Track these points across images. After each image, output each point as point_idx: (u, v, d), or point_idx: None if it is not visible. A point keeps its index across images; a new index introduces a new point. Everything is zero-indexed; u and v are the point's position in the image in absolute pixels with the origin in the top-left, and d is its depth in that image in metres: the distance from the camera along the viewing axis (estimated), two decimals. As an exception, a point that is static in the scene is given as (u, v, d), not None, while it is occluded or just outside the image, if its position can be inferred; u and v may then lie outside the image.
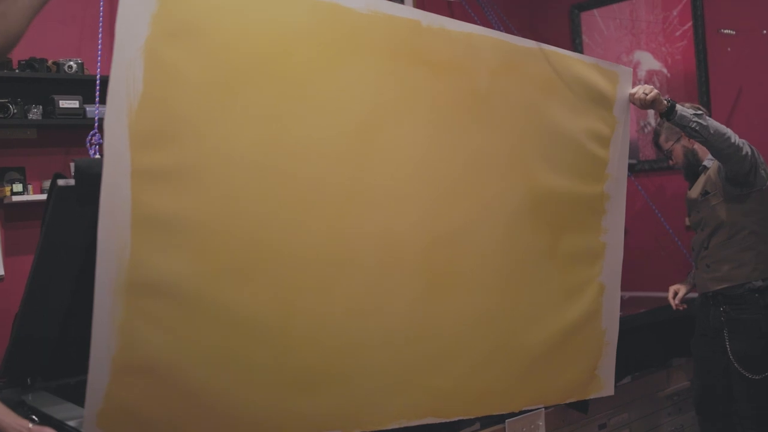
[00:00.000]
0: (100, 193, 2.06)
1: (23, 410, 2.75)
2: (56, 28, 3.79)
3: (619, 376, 3.29)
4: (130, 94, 2.06)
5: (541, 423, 3.18)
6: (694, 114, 3.09)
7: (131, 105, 2.07)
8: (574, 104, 2.99)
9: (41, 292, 2.80)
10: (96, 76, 3.10)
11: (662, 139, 3.55)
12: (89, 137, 2.90)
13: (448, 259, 2.70)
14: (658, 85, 4.80)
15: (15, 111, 3.54)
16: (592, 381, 3.15)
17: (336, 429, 2.53)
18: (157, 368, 2.17)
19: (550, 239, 2.97)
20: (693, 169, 3.52)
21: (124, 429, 2.18)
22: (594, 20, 5.18)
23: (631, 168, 3.24)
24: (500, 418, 3.06)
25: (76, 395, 2.91)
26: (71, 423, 2.58)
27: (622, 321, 3.22)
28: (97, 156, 2.94)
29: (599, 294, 3.11)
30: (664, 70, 4.85)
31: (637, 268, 3.66)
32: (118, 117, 2.06)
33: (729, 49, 4.52)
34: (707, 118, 3.12)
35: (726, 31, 4.41)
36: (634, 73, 3.22)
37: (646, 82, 4.71)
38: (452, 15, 4.72)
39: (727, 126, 3.18)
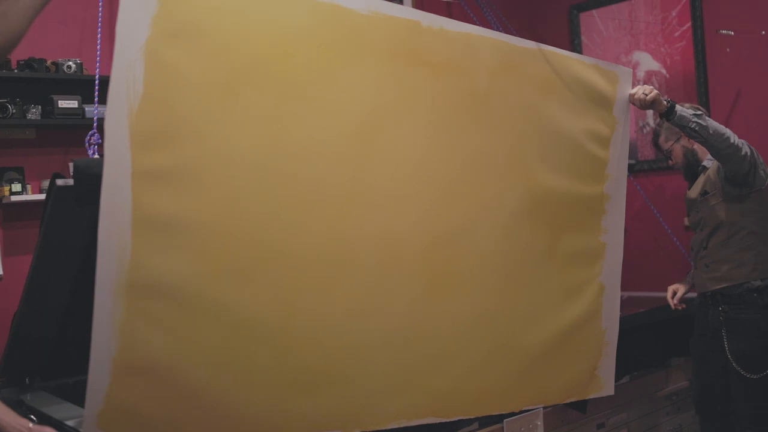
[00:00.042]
0: (99, 193, 2.06)
1: (22, 410, 2.75)
2: (55, 28, 3.79)
3: (617, 376, 3.29)
4: (131, 95, 2.06)
5: (540, 423, 3.19)
6: (694, 114, 3.10)
7: (132, 106, 2.07)
8: (573, 104, 2.99)
9: (40, 292, 2.80)
10: (95, 76, 3.10)
11: (662, 139, 3.55)
12: (88, 137, 2.90)
13: (447, 260, 2.70)
14: (656, 85, 4.80)
15: (14, 111, 3.54)
16: (592, 381, 3.15)
17: (336, 429, 2.53)
18: (157, 369, 2.17)
19: (549, 239, 2.97)
20: (692, 169, 3.52)
21: (124, 430, 2.18)
22: (593, 21, 5.19)
23: (630, 168, 3.25)
24: (498, 418, 3.06)
25: (75, 395, 2.91)
26: (70, 423, 2.59)
27: (621, 321, 3.22)
28: (96, 156, 2.93)
29: (599, 294, 3.11)
30: (663, 71, 4.85)
31: (635, 268, 3.66)
32: (118, 118, 2.06)
33: (728, 49, 4.52)
34: (707, 118, 3.13)
35: (724, 32, 4.42)
36: (633, 74, 3.22)
37: (644, 83, 4.70)
38: (451, 15, 4.72)
39: (726, 126, 3.18)
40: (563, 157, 2.98)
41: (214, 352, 2.26)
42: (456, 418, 2.82)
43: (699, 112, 3.14)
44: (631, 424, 3.78)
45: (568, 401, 3.19)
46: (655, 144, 3.64)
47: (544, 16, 5.46)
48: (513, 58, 2.84)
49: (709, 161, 3.44)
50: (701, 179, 3.46)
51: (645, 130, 4.93)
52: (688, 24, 4.70)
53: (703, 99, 4.60)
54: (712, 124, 3.11)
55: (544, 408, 3.18)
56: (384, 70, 2.52)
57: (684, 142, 3.48)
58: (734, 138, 3.14)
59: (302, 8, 2.37)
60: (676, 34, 4.77)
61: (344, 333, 2.49)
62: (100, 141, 2.91)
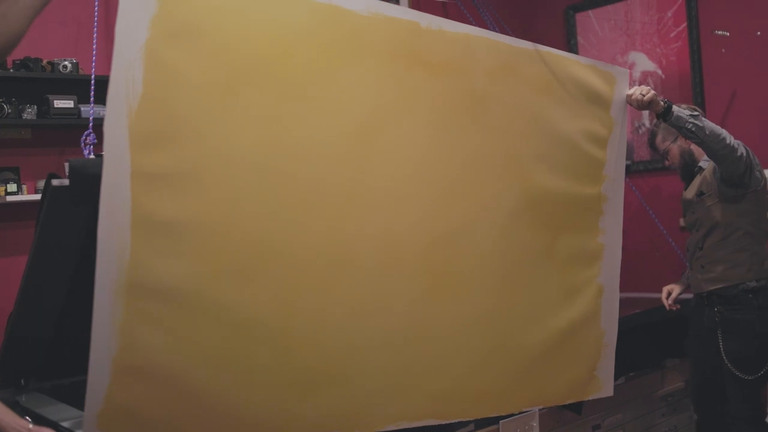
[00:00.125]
0: (94, 193, 2.06)
1: (17, 411, 2.72)
2: (51, 27, 3.78)
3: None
4: (130, 95, 2.06)
5: (535, 424, 3.19)
6: (691, 115, 3.10)
7: (131, 106, 2.06)
8: (571, 105, 2.99)
9: (35, 293, 2.79)
10: (91, 75, 3.09)
11: (659, 139, 3.55)
12: (84, 137, 2.90)
13: (447, 260, 2.70)
14: (652, 86, 4.81)
15: (9, 111, 3.53)
16: (591, 382, 3.15)
17: (336, 430, 2.52)
18: (157, 369, 2.17)
19: (548, 240, 2.97)
20: (689, 169, 3.52)
21: (124, 430, 2.17)
22: (589, 21, 5.19)
23: (626, 169, 3.25)
24: (494, 419, 3.05)
25: (71, 396, 2.91)
26: (65, 424, 2.58)
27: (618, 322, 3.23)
28: (92, 156, 2.93)
29: (598, 295, 3.11)
30: (659, 71, 4.86)
31: (631, 269, 3.67)
32: (117, 118, 2.05)
33: (723, 50, 4.53)
34: (703, 119, 3.13)
35: (720, 33, 4.43)
36: (630, 75, 3.23)
37: (640, 83, 4.71)
38: (447, 15, 4.73)
39: (722, 127, 3.19)
40: (561, 158, 2.98)
41: (214, 352, 2.25)
42: (456, 420, 2.83)
43: (696, 113, 3.15)
44: (626, 425, 3.78)
45: (568, 402, 3.19)
46: (651, 145, 3.64)
47: (540, 16, 5.46)
48: (511, 58, 2.84)
49: (705, 162, 3.44)
50: (697, 180, 3.47)
51: (641, 131, 4.94)
52: (684, 25, 4.71)
53: (699, 99, 4.61)
54: (709, 124, 3.12)
55: (539, 409, 3.18)
56: (383, 71, 2.52)
57: (681, 142, 3.48)
58: (730, 139, 3.15)
59: (302, 9, 2.36)
60: (672, 34, 4.78)
61: (344, 333, 2.48)
62: (95, 141, 2.90)
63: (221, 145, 2.21)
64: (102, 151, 2.22)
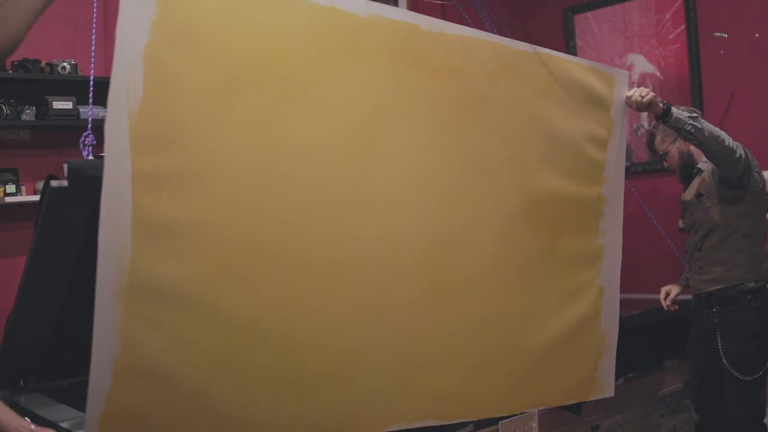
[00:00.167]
0: (93, 194, 2.06)
1: (16, 412, 2.74)
2: (50, 28, 3.78)
3: (613, 378, 3.30)
4: (131, 98, 2.06)
5: (534, 425, 3.19)
6: (690, 117, 3.11)
7: (132, 109, 2.06)
8: (571, 107, 2.99)
9: (34, 294, 2.79)
10: (90, 77, 3.09)
11: (657, 140, 3.56)
12: (83, 138, 2.90)
13: (448, 261, 2.70)
14: (651, 87, 4.82)
15: (8, 112, 3.53)
16: (593, 383, 3.16)
17: (336, 431, 2.52)
18: (158, 371, 2.17)
19: (548, 241, 2.98)
20: (688, 171, 3.53)
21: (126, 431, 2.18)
22: (587, 23, 5.20)
23: (625, 170, 3.25)
24: (494, 420, 3.05)
25: (70, 397, 2.91)
26: (64, 425, 2.58)
27: (617, 323, 3.23)
28: (91, 157, 2.93)
29: (598, 296, 3.11)
30: (657, 73, 4.86)
31: (630, 271, 3.67)
32: (118, 121, 2.05)
33: (721, 52, 4.53)
34: (702, 120, 3.14)
35: (718, 35, 4.43)
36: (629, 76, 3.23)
37: (639, 85, 4.72)
38: (445, 17, 4.73)
39: (720, 128, 3.19)
40: (562, 159, 2.98)
41: (214, 353, 2.25)
42: (457, 421, 2.83)
43: (695, 115, 3.15)
44: (625, 426, 3.78)
45: (569, 403, 3.19)
46: (650, 146, 3.65)
47: (539, 18, 5.46)
48: (511, 61, 2.85)
49: (704, 164, 3.45)
50: (696, 181, 3.47)
51: (639, 132, 4.94)
52: (682, 26, 4.71)
53: (697, 101, 4.61)
54: (708, 126, 3.12)
55: (539, 410, 3.18)
56: (383, 73, 2.52)
57: (680, 144, 3.48)
58: (729, 140, 3.15)
59: (301, 11, 2.36)
60: (670, 36, 4.79)
61: (344, 334, 2.48)
62: (94, 142, 2.90)
63: (221, 147, 2.21)
64: (101, 152, 2.22)
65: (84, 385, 2.12)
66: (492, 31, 3.85)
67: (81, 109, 3.66)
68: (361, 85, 2.48)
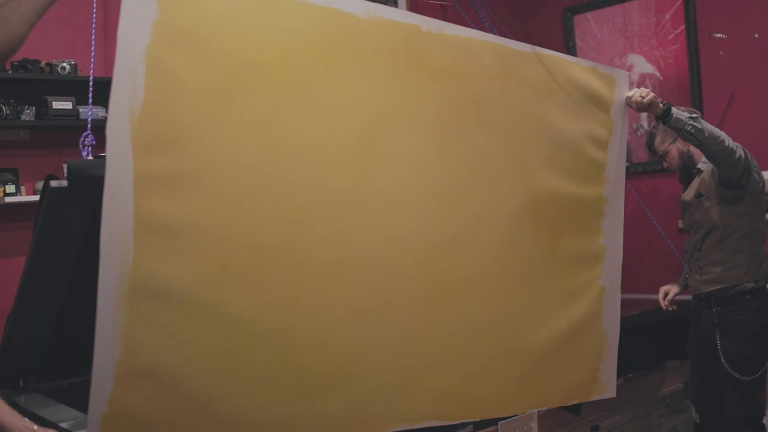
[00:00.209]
0: (93, 194, 2.06)
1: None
2: (49, 29, 3.78)
3: (613, 378, 3.29)
4: (132, 100, 2.06)
5: (534, 425, 3.19)
6: (690, 117, 3.11)
7: (133, 111, 2.06)
8: (571, 107, 2.99)
9: (34, 294, 2.79)
10: (89, 77, 3.09)
11: (657, 141, 3.56)
12: (82, 138, 2.90)
13: (448, 262, 2.70)
14: (650, 88, 4.81)
15: (8, 112, 3.53)
16: (594, 383, 3.16)
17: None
18: (160, 373, 2.17)
19: (549, 241, 2.98)
20: (688, 171, 3.53)
21: None
22: (587, 23, 5.19)
23: (625, 170, 3.25)
24: (493, 420, 3.05)
25: (69, 397, 2.91)
26: (64, 425, 2.57)
27: (616, 323, 3.23)
28: (91, 157, 2.93)
29: (599, 296, 3.12)
30: (657, 74, 4.86)
31: (630, 271, 3.67)
32: (120, 123, 2.05)
33: (721, 52, 4.53)
34: (702, 121, 3.14)
35: (718, 35, 4.43)
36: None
37: (638, 86, 4.73)
38: (445, 18, 4.73)
39: (720, 129, 3.19)
40: (563, 160, 2.99)
41: (216, 354, 2.25)
42: (459, 422, 2.83)
43: (695, 115, 3.16)
44: (625, 426, 3.78)
45: (570, 404, 3.19)
46: (650, 147, 3.64)
47: (539, 18, 5.46)
48: (512, 61, 2.85)
49: (703, 164, 3.45)
50: (696, 182, 3.47)
51: (639, 133, 4.94)
52: (682, 27, 4.71)
53: (697, 102, 4.61)
54: (707, 127, 3.13)
55: (538, 410, 3.18)
56: (383, 74, 2.52)
57: (679, 144, 3.48)
58: (728, 141, 3.16)
59: (301, 13, 2.36)
60: (670, 36, 4.79)
61: (345, 334, 2.48)
62: (94, 142, 2.91)
63: (220, 149, 2.21)
64: (100, 152, 2.22)
65: (84, 386, 2.12)
66: (492, 32, 3.85)
67: (80, 110, 3.66)
68: (361, 88, 2.48)
